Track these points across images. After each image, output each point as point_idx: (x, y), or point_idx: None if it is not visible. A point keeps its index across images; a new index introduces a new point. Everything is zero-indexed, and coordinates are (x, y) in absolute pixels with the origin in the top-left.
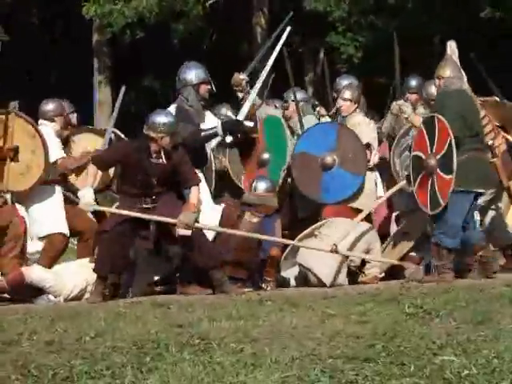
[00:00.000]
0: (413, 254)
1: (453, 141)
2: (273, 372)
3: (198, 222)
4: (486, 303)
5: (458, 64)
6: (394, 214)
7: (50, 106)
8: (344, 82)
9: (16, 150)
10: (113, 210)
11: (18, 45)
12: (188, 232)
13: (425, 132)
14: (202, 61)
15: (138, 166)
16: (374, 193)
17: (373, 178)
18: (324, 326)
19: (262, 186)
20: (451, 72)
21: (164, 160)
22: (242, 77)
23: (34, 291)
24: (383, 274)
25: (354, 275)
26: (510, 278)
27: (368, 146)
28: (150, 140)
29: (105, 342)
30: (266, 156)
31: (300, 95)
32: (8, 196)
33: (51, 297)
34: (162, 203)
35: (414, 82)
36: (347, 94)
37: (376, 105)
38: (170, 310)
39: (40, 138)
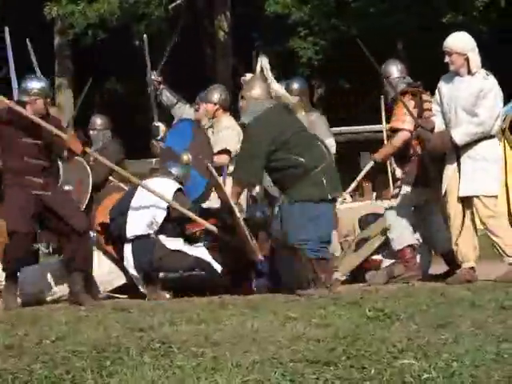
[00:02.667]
0: (374, 257)
1: None
2: (234, 376)
3: None
4: (447, 307)
5: (270, 79)
6: (357, 218)
7: None
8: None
9: None
10: None
11: None
12: None
13: None
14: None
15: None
16: None
17: None
18: (285, 329)
19: None
20: (261, 91)
21: None
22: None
23: None
24: (345, 277)
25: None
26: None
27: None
28: (24, 105)
29: (65, 346)
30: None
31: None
32: None
33: None
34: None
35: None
36: (214, 98)
37: (340, 106)
38: (131, 314)
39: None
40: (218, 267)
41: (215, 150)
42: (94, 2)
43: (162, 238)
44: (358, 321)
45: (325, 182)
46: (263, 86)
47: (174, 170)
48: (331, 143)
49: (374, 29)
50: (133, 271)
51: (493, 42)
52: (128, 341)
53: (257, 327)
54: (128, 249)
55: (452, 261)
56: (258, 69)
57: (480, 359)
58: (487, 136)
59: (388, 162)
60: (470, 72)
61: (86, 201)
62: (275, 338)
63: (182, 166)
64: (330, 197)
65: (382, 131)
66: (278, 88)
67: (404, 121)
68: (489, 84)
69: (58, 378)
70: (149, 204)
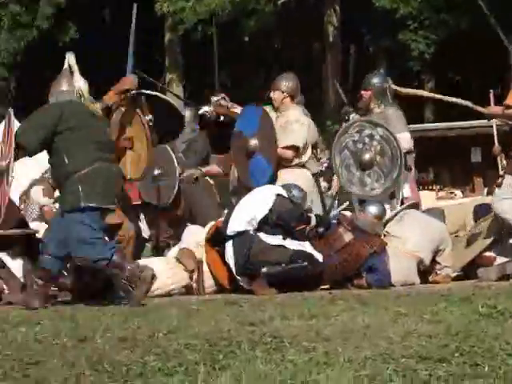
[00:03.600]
0: (487, 254)
1: None
2: (346, 371)
3: None
4: None
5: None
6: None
7: None
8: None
9: (132, 140)
10: None
11: (90, 41)
12: None
13: None
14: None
15: None
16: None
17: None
18: (396, 325)
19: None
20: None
21: None
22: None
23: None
24: (456, 274)
25: (425, 274)
26: None
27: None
28: None
29: (177, 339)
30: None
31: None
32: None
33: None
34: None
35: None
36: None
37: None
38: (242, 308)
39: (144, 128)
40: (320, 257)
41: (283, 143)
42: None
43: (261, 234)
44: (469, 317)
45: (80, 189)
46: (70, 82)
47: (296, 193)
48: (406, 137)
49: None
50: (234, 268)
51: None
52: (239, 335)
53: (367, 323)
54: (229, 246)
55: None
56: (66, 66)
57: None
58: None
59: (498, 158)
60: None
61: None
62: (386, 334)
63: (300, 190)
64: (83, 205)
65: (491, 126)
66: (82, 86)
67: None
68: None
69: (171, 371)
70: (251, 202)
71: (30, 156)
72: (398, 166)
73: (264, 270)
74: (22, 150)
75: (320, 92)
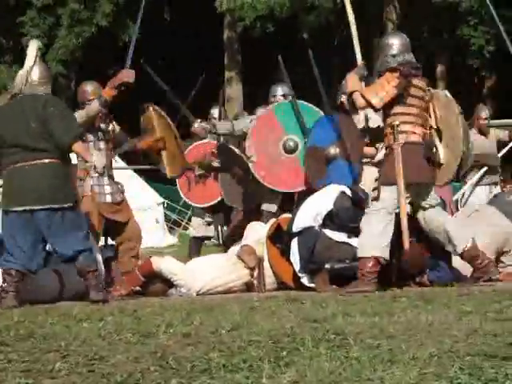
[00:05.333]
0: None
1: None
2: (411, 369)
3: None
4: None
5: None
6: None
7: None
8: None
9: (164, 140)
10: None
11: (152, 41)
12: None
13: None
14: (332, 55)
15: None
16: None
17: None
18: (460, 323)
19: None
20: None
21: None
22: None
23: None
24: None
25: None
26: None
27: None
28: None
29: (241, 336)
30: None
31: None
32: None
33: (183, 290)
34: None
35: None
36: None
37: None
38: (304, 305)
39: (172, 129)
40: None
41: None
42: None
43: (326, 231)
44: None
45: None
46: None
47: (360, 195)
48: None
49: None
50: (297, 265)
51: None
52: (302, 331)
53: (431, 320)
54: (294, 242)
55: None
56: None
57: None
58: None
59: None
60: None
61: None
62: (451, 332)
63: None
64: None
65: None
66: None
67: None
68: None
69: (236, 367)
70: (317, 198)
71: None
72: None
73: (327, 265)
74: None
75: None
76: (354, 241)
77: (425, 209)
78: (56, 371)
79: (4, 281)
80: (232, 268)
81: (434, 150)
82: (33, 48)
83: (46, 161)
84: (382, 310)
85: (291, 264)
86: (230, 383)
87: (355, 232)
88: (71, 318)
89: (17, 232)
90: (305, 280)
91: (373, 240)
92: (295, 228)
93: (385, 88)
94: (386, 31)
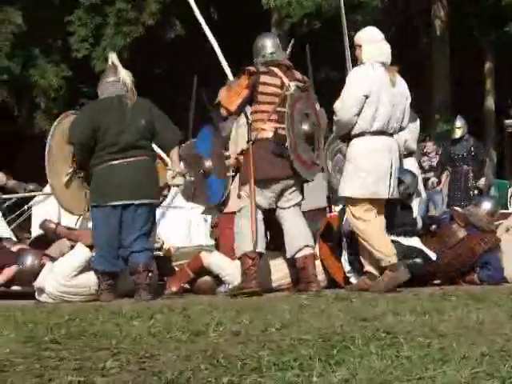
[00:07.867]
0: None
1: None
2: (462, 367)
3: None
4: None
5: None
6: None
7: None
8: None
9: None
10: None
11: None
12: None
13: None
14: None
15: None
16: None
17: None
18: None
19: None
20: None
21: None
22: None
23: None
24: None
25: None
26: None
27: None
28: None
29: (290, 334)
30: None
31: None
32: None
33: (231, 286)
34: None
35: None
36: None
37: None
38: (353, 304)
39: None
40: (433, 255)
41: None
42: None
43: None
44: None
45: None
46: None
47: (408, 179)
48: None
49: None
50: (346, 263)
51: None
52: (352, 330)
53: (482, 319)
54: (344, 241)
55: None
56: (110, 63)
57: None
58: None
59: None
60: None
61: None
62: (502, 331)
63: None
64: None
65: None
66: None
67: None
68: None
69: (286, 365)
70: None
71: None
72: None
73: None
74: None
75: (429, 85)
76: (402, 239)
77: (284, 208)
78: (107, 369)
79: (98, 279)
80: (281, 266)
81: (287, 144)
82: (115, 58)
83: (143, 158)
84: (431, 308)
85: (341, 263)
86: (281, 381)
87: (403, 233)
88: (121, 316)
89: (108, 227)
90: (353, 280)
91: (242, 238)
92: (346, 227)
93: (237, 91)
94: (434, 28)
